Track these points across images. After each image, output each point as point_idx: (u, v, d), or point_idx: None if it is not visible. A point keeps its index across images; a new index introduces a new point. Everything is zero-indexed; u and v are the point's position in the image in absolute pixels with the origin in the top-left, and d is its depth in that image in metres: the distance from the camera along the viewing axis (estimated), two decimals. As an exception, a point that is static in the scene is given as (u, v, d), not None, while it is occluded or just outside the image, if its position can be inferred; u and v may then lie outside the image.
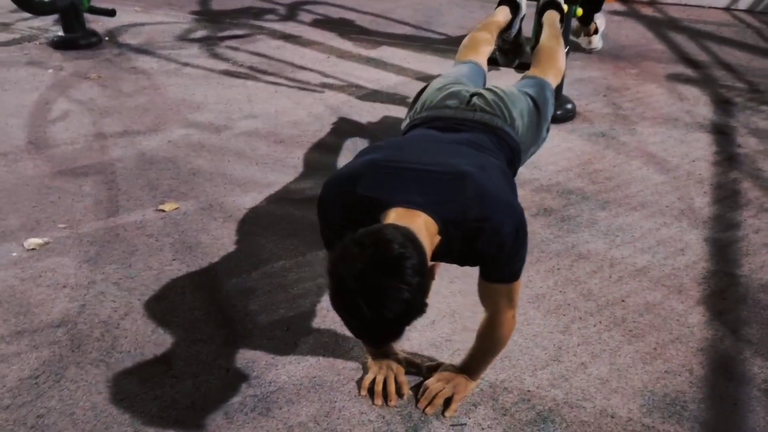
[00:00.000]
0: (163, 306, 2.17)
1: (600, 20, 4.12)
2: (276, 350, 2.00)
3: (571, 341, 2.06)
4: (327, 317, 2.13)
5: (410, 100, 3.86)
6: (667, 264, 2.44)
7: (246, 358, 1.97)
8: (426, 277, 1.33)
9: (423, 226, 1.43)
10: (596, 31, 4.12)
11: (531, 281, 2.31)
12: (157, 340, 2.03)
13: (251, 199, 2.81)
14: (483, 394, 1.86)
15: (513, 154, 1.90)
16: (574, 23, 3.99)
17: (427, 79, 4.22)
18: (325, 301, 2.18)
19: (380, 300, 1.26)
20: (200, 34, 5.09)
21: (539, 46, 2.59)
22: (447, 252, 1.53)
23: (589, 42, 4.21)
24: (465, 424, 1.77)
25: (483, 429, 1.75)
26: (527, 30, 3.24)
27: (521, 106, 2.01)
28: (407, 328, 1.35)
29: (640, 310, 2.20)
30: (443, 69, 4.33)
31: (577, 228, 2.65)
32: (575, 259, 2.46)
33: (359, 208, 1.50)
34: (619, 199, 2.87)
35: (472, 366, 1.85)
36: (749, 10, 5.99)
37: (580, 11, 3.49)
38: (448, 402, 1.81)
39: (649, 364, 1.98)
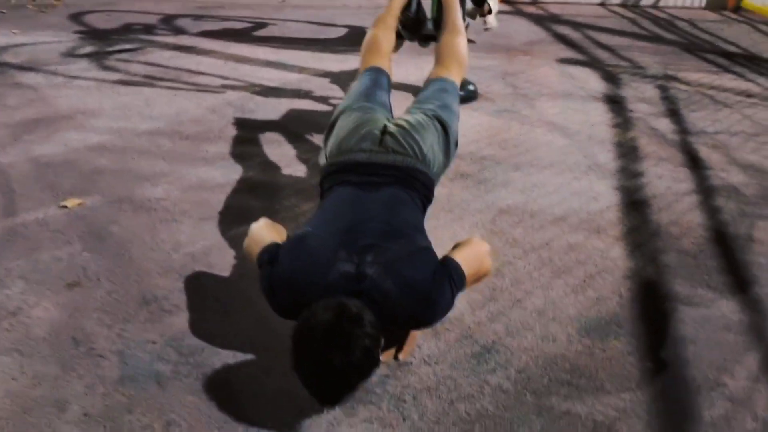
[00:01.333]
0: (78, 293, 2.03)
1: (492, 1, 4.25)
2: (206, 319, 1.90)
3: (503, 283, 2.08)
4: (256, 286, 2.05)
5: (314, 94, 3.87)
6: (583, 210, 2.52)
7: (174, 330, 1.86)
8: (379, 332, 1.51)
9: None
10: (490, 11, 4.24)
11: (456, 236, 2.33)
12: (75, 324, 1.88)
13: (162, 191, 2.69)
14: (424, 334, 1.84)
15: (428, 190, 1.96)
16: (469, 5, 4.10)
17: (328, 75, 4.23)
18: (254, 274, 2.10)
19: (347, 346, 1.42)
20: (87, 50, 4.89)
21: (441, 41, 2.59)
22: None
23: (485, 22, 4.33)
24: (411, 363, 1.73)
25: (430, 365, 1.73)
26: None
27: (431, 138, 2.04)
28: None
29: (564, 250, 2.26)
30: (342, 66, 4.37)
31: (493, 188, 2.71)
32: (496, 214, 2.50)
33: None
34: (529, 161, 2.96)
35: None
36: (622, 5, 6.41)
37: None
38: (398, 347, 1.77)
39: (581, 294, 2.02)
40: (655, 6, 6.33)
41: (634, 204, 2.57)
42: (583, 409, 1.59)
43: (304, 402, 1.60)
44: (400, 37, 3.10)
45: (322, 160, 2.08)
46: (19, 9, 6.58)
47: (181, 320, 1.90)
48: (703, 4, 6.27)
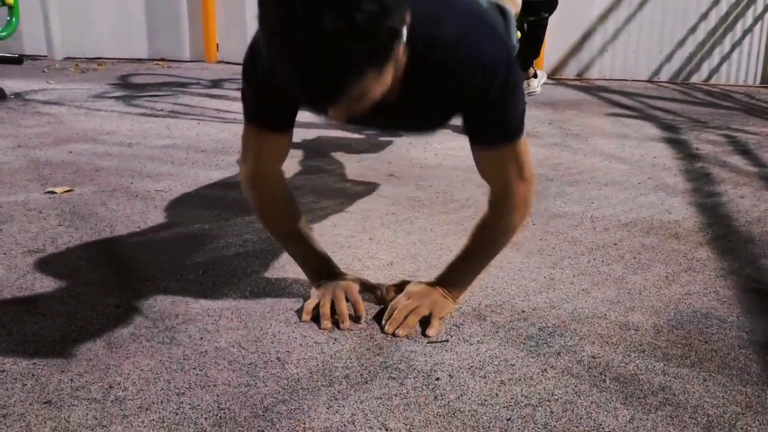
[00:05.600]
0: (37, 257, 1.66)
1: (539, 71, 4.12)
2: (187, 289, 1.50)
3: (564, 274, 1.65)
4: (257, 262, 1.66)
5: (350, 127, 3.58)
6: (655, 219, 2.10)
7: (145, 296, 1.46)
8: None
9: None
10: (535, 75, 4.06)
11: (504, 234, 1.92)
12: (22, 285, 1.50)
13: (164, 185, 2.36)
14: (465, 315, 1.41)
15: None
16: None
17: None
18: (254, 254, 1.72)
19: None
20: (118, 94, 4.77)
21: None
22: (414, 89, 1.15)
23: (528, 85, 4.13)
24: (447, 341, 1.30)
25: (471, 345, 1.29)
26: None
27: (486, 3, 1.70)
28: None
29: (637, 249, 1.83)
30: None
31: (546, 198, 2.31)
32: (551, 217, 2.10)
33: None
34: (585, 180, 2.57)
35: (458, 274, 1.41)
36: (670, 81, 6.17)
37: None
38: (424, 324, 1.34)
39: (665, 289, 1.58)
40: (706, 83, 6.07)
41: (717, 217, 2.14)
42: (690, 400, 1.12)
43: (300, 373, 1.17)
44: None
45: None
46: (61, 70, 6.62)
47: (155, 289, 1.50)
48: (758, 81, 6.00)
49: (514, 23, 1.84)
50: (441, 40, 1.13)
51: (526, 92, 4.29)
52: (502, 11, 1.79)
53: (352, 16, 0.84)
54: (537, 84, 4.32)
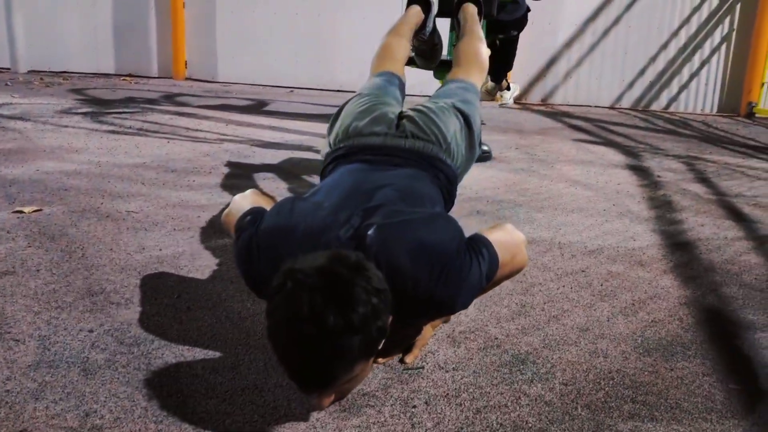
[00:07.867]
0: (7, 281, 1.63)
1: (513, 84, 4.20)
2: (162, 313, 1.50)
3: (535, 300, 1.69)
4: (231, 287, 1.67)
5: (317, 148, 3.61)
6: (621, 246, 2.17)
7: (120, 320, 1.45)
8: (388, 295, 1.09)
9: None
10: (508, 87, 4.14)
11: (475, 259, 1.96)
12: (-7, 309, 1.48)
13: (135, 206, 2.34)
14: (440, 341, 1.43)
15: (450, 185, 1.64)
16: (489, 84, 4.00)
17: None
18: (228, 278, 1.72)
19: (345, 300, 1.01)
20: (85, 110, 4.71)
21: (459, 44, 2.41)
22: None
23: (501, 96, 4.20)
24: (422, 368, 1.32)
25: (446, 372, 1.31)
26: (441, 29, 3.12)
27: (453, 126, 1.73)
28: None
29: (604, 277, 1.88)
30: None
31: (515, 224, 2.34)
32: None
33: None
34: (553, 206, 2.63)
35: None
36: (632, 108, 6.35)
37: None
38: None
39: (631, 316, 1.63)
40: (666, 111, 6.26)
41: (679, 245, 2.22)
42: (658, 428, 1.16)
43: (278, 400, 1.18)
44: (412, 63, 2.89)
45: (326, 150, 1.74)
46: (26, 84, 6.52)
47: (130, 313, 1.50)
48: (715, 110, 6.20)
49: (479, 131, 1.85)
50: (401, 271, 1.18)
51: (498, 104, 4.36)
52: (467, 121, 1.79)
53: (349, 315, 1.00)
54: (509, 96, 4.39)
